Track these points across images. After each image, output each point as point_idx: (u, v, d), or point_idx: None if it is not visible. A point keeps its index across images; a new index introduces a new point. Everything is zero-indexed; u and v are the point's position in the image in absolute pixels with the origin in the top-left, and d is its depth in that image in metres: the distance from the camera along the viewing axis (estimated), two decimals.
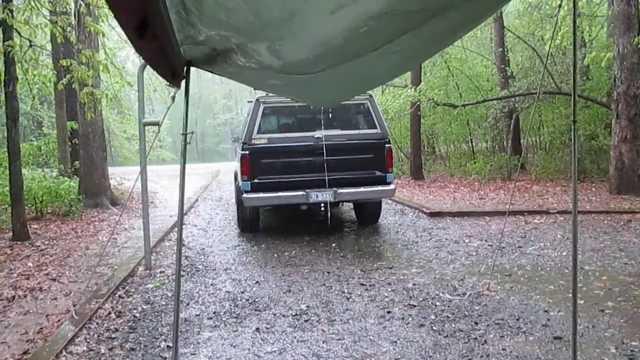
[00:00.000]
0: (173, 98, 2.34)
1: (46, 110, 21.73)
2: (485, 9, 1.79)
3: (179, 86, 1.93)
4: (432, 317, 4.30)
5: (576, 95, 2.64)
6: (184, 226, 9.52)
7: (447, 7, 1.44)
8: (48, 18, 8.82)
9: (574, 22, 2.68)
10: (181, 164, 2.13)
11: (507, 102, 15.40)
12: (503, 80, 16.37)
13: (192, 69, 1.83)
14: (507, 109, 15.73)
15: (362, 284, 5.28)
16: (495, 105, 16.02)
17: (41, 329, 4.21)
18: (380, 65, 1.97)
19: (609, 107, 11.62)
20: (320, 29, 1.50)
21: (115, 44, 15.94)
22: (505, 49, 17.04)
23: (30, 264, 6.34)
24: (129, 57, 31.13)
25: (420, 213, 9.74)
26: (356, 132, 7.82)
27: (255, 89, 7.18)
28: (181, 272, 5.99)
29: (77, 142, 11.79)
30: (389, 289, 5.09)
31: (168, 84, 1.92)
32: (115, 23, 14.69)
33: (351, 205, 9.76)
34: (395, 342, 3.80)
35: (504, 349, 3.61)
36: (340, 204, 9.09)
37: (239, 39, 1.58)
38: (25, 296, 5.09)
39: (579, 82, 14.33)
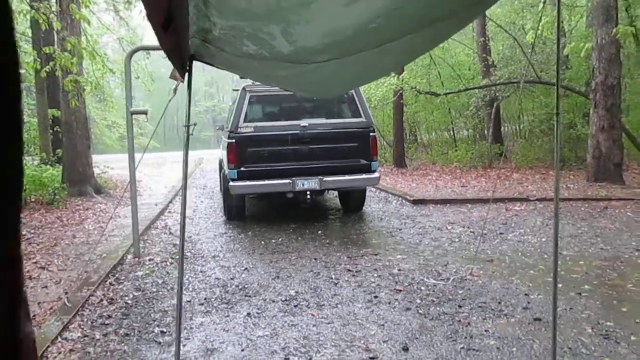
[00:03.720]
0: (175, 90, 2.40)
1: (25, 97, 21.41)
2: (480, 12, 1.90)
3: (183, 79, 2.00)
4: (418, 301, 4.45)
5: (559, 88, 2.76)
6: (170, 214, 9.56)
7: (452, 14, 1.53)
8: (29, 3, 8.72)
9: (558, 18, 2.79)
10: (184, 154, 2.21)
11: (489, 91, 15.63)
12: (485, 69, 16.57)
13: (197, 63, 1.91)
14: (488, 97, 15.96)
15: (348, 270, 5.41)
16: (476, 94, 16.23)
17: (34, 316, 4.26)
18: (380, 61, 2.07)
19: (588, 97, 11.88)
20: (333, 20, 1.59)
21: (96, 30, 15.75)
22: (487, 38, 17.23)
23: None
24: (108, 43, 30.71)
25: (403, 200, 9.90)
26: (342, 121, 7.93)
27: (258, 83, 7.23)
28: (170, 259, 6.06)
29: (59, 130, 11.69)
30: (375, 275, 5.23)
31: (171, 76, 1.99)
32: (96, 8, 14.49)
33: (335, 193, 9.89)
34: (383, 325, 3.94)
35: (486, 331, 3.78)
36: (326, 191, 9.21)
37: (255, 25, 1.65)
38: None
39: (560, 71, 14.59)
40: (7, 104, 0.50)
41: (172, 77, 1.98)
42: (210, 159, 20.73)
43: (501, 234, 6.92)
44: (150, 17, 1.30)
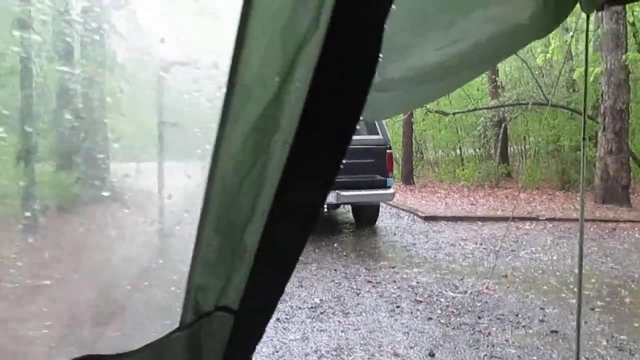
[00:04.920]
0: None
1: None
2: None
3: None
4: (438, 311, 4.66)
5: (586, 115, 3.01)
6: None
7: (498, 59, 1.79)
8: None
9: (587, 48, 3.03)
10: None
11: (497, 112, 15.94)
12: (493, 90, 16.90)
13: None
14: (496, 118, 16.26)
15: (368, 281, 5.63)
16: (485, 114, 16.54)
17: None
18: (433, 91, 2.33)
19: (595, 120, 12.15)
20: (423, 58, 1.84)
21: None
22: None
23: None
24: None
25: (414, 217, 10.13)
26: (359, 137, 8.18)
27: None
28: None
29: None
30: (395, 286, 5.44)
31: None
32: None
33: (348, 207, 10.12)
34: (407, 332, 4.15)
35: (506, 340, 3.99)
36: (342, 205, 9.44)
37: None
38: None
39: (566, 94, 14.90)
40: None
41: None
42: None
43: (513, 251, 7.13)
44: None
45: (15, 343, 0.58)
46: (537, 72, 15.58)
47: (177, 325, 0.79)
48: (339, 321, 4.42)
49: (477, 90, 19.49)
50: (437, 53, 1.74)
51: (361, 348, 3.85)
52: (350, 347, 3.88)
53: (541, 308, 4.74)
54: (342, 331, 4.19)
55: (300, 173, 0.69)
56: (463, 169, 17.35)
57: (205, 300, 0.80)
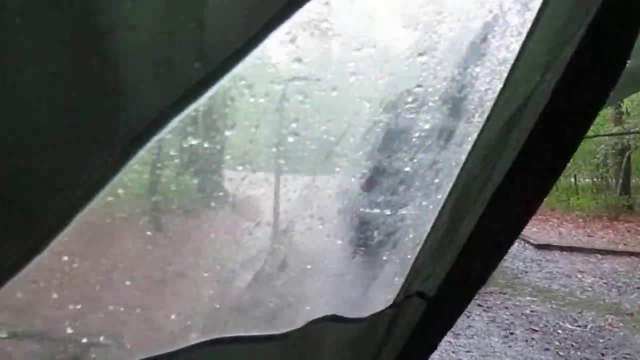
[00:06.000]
0: None
1: None
2: None
3: None
4: (556, 343, 4.44)
5: None
6: None
7: None
8: None
9: None
10: None
11: (620, 139, 14.86)
12: (617, 116, 15.80)
13: None
14: (619, 146, 15.16)
15: (479, 305, 5.48)
16: (606, 141, 15.49)
17: None
18: None
19: None
20: None
21: None
22: None
23: None
24: None
25: (525, 244, 9.69)
26: None
27: None
28: None
29: None
30: (507, 313, 5.26)
31: None
32: None
33: None
34: None
35: None
36: None
37: None
38: None
39: None
40: None
41: None
42: None
43: (638, 288, 6.60)
44: None
45: (147, 329, 0.63)
46: None
47: (389, 303, 0.87)
48: (449, 342, 4.36)
49: (599, 115, 18.30)
50: None
51: None
52: None
53: None
54: (453, 352, 4.13)
55: (523, 175, 0.74)
56: (578, 198, 16.31)
57: (411, 285, 0.88)
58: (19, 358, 0.55)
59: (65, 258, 0.46)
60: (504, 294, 6.05)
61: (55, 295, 0.52)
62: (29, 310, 0.53)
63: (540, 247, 9.27)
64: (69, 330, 0.54)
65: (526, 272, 7.34)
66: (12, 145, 0.32)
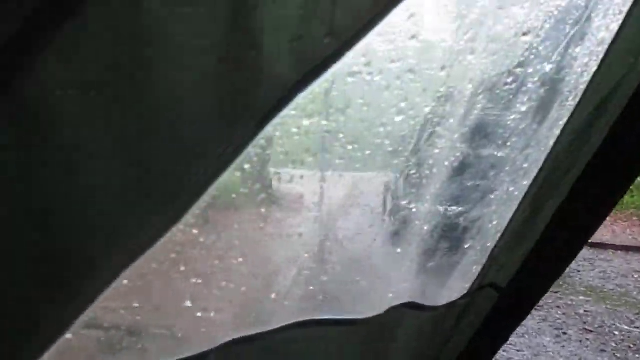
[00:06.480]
0: None
1: None
2: None
3: None
4: (613, 344, 4.29)
5: None
6: None
7: None
8: None
9: None
10: None
11: None
12: None
13: None
14: None
15: None
16: None
17: None
18: None
19: None
20: None
21: None
22: None
23: None
24: None
25: None
26: None
27: None
28: None
29: None
30: (560, 312, 5.12)
31: None
32: None
33: None
34: None
35: None
36: None
37: None
38: None
39: None
40: None
41: None
42: None
43: None
44: None
45: (196, 322, 0.62)
46: None
47: (463, 293, 0.86)
48: None
49: None
50: None
51: None
52: None
53: None
54: (504, 351, 4.05)
55: (607, 163, 0.72)
56: (632, 196, 15.66)
57: (487, 274, 0.86)
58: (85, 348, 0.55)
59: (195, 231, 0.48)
60: (556, 292, 5.88)
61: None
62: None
63: (592, 245, 8.95)
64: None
65: (578, 271, 7.12)
66: (168, 113, 0.34)
